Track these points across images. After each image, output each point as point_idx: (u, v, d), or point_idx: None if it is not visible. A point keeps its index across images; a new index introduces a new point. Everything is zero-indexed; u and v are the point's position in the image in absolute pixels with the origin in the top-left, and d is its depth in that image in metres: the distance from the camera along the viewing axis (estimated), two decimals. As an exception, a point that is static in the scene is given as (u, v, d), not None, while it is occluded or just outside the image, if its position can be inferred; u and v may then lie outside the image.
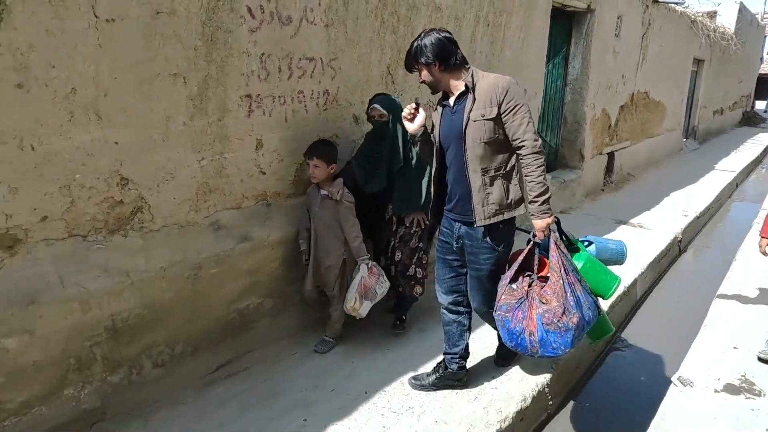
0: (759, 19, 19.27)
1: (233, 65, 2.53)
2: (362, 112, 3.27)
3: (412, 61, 2.33)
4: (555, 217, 2.33)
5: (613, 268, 2.60)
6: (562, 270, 2.26)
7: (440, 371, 2.65)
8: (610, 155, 7.50)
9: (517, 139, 2.26)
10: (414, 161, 2.93)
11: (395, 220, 3.04)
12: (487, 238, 2.34)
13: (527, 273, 2.36)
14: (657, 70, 8.60)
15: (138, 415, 2.37)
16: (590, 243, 2.67)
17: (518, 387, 2.66)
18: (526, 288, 2.31)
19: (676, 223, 5.72)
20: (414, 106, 2.39)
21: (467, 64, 2.34)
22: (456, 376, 2.63)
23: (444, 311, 2.63)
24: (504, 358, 2.86)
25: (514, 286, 2.33)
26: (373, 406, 2.49)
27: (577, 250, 2.53)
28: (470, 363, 2.75)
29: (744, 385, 2.73)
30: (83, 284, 2.16)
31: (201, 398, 2.51)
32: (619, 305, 3.85)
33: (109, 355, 2.31)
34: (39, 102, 1.95)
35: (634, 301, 4.21)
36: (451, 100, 2.36)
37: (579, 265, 2.41)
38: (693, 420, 2.46)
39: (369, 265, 2.85)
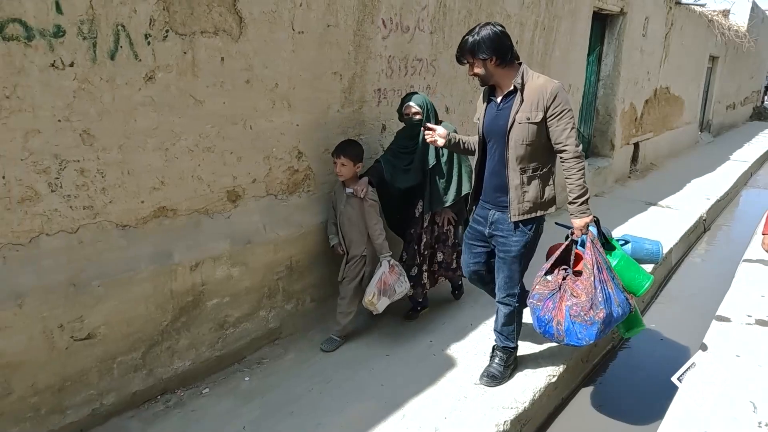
0: (769, 16, 19.82)
1: (371, 65, 3.22)
2: (453, 104, 3.95)
3: (467, 54, 2.34)
4: (594, 216, 2.44)
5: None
6: (595, 267, 2.37)
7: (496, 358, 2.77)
8: (636, 146, 8.15)
9: (560, 143, 2.35)
10: (444, 159, 3.05)
11: (426, 218, 3.12)
12: (523, 225, 2.47)
13: (563, 267, 2.50)
14: (677, 67, 9.23)
15: (302, 336, 3.08)
16: (627, 242, 2.76)
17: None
18: (560, 281, 2.44)
19: (700, 205, 6.39)
20: (426, 130, 2.62)
21: (519, 59, 2.39)
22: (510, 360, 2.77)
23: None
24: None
25: (549, 277, 2.48)
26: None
27: (613, 248, 2.63)
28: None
29: (771, 321, 3.41)
30: (276, 231, 2.87)
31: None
32: (658, 270, 4.52)
33: (286, 287, 3.02)
34: (256, 94, 2.65)
35: (670, 266, 4.88)
36: (499, 97, 2.43)
37: (613, 263, 2.52)
38: (734, 345, 3.14)
39: (390, 263, 2.92)
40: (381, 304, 2.88)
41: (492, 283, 2.71)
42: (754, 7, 14.63)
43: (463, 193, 3.09)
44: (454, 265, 3.26)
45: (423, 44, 3.59)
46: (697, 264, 5.23)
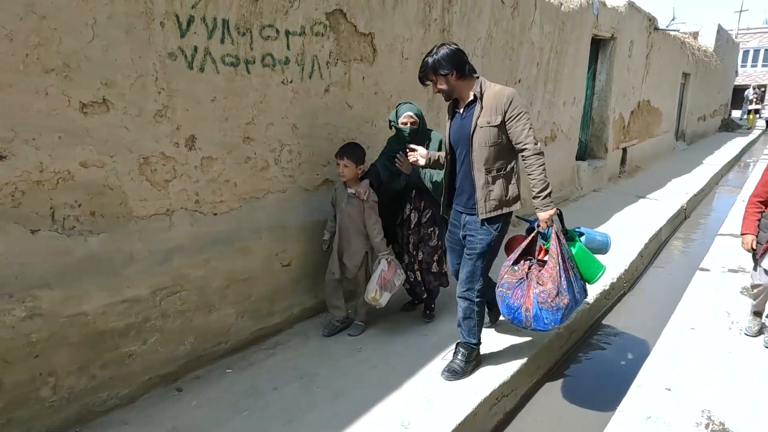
0: (734, 37, 21.71)
1: (445, 82, 4.34)
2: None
3: (429, 73, 2.56)
4: (557, 209, 2.58)
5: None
6: (559, 257, 2.52)
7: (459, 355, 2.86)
8: (624, 150, 9.43)
9: (520, 142, 2.52)
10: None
11: (413, 219, 3.31)
12: (487, 223, 2.64)
13: (528, 257, 2.65)
14: (656, 83, 10.60)
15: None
16: (581, 234, 2.89)
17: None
18: (526, 270, 2.59)
19: (681, 198, 7.64)
20: (409, 152, 2.90)
21: (476, 73, 2.62)
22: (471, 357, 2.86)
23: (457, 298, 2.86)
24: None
25: (515, 267, 2.62)
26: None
27: (572, 239, 2.78)
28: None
29: (740, 268, 4.58)
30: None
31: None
32: (652, 244, 5.69)
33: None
34: (380, 102, 3.75)
35: (660, 241, 6.07)
36: (461, 108, 2.65)
37: (572, 252, 2.68)
38: (712, 290, 4.30)
39: (388, 260, 3.12)
40: (383, 299, 3.08)
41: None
42: (720, 30, 16.34)
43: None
44: (434, 269, 3.37)
45: (478, 65, 4.73)
46: (682, 239, 6.44)
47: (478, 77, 2.61)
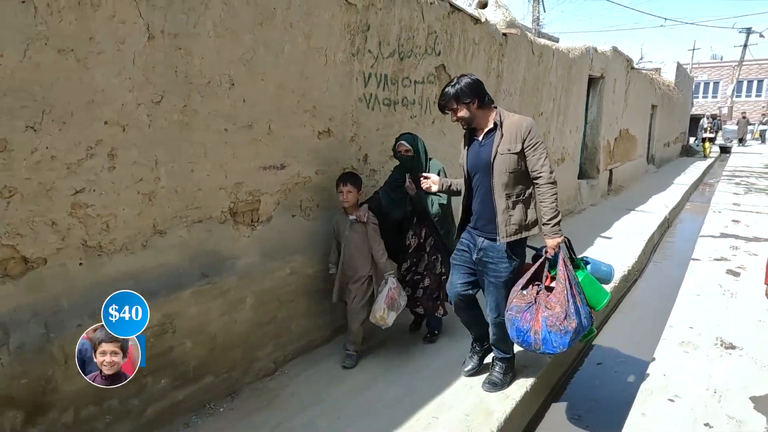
0: (689, 72, 24.09)
1: (498, 115, 5.60)
2: (528, 137, 6.39)
3: (451, 101, 2.65)
4: (565, 237, 2.67)
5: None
6: (567, 282, 2.58)
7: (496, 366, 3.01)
8: (611, 171, 10.91)
9: (536, 171, 2.61)
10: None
11: (414, 245, 3.42)
12: (508, 251, 2.70)
13: (536, 282, 2.69)
14: (632, 114, 12.23)
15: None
16: (587, 263, 2.97)
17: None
18: (534, 295, 2.63)
19: (663, 210, 9.08)
20: (422, 179, 2.99)
21: (494, 103, 2.73)
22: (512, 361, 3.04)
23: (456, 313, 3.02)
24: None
25: (524, 292, 2.66)
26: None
27: (578, 266, 2.86)
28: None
29: (722, 258, 5.92)
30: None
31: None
32: (649, 244, 7.02)
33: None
34: (460, 131, 4.95)
35: (655, 244, 7.43)
36: (480, 136, 2.72)
37: (579, 279, 2.73)
38: (705, 272, 5.61)
39: (394, 279, 3.20)
40: (390, 319, 3.15)
41: (474, 309, 3.03)
42: (679, 67, 18.46)
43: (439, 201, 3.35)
44: (436, 295, 3.45)
45: (515, 103, 6.03)
46: (669, 242, 7.84)
47: (495, 107, 2.74)
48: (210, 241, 2.77)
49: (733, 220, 8.05)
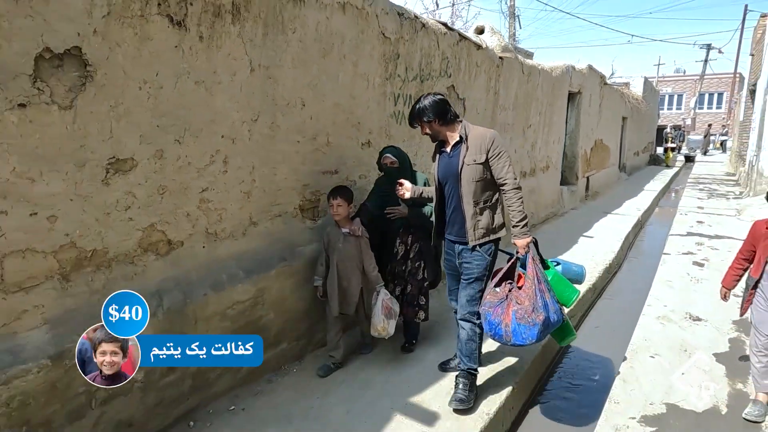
0: (655, 85, 25.57)
1: (499, 125, 6.36)
2: (525, 144, 7.17)
3: (416, 119, 2.86)
4: (533, 237, 2.84)
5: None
6: (535, 278, 2.75)
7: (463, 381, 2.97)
8: (587, 178, 11.84)
9: (501, 178, 2.77)
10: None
11: (400, 252, 3.54)
12: (480, 250, 2.87)
13: (509, 281, 2.85)
14: (606, 125, 13.24)
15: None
16: (558, 264, 3.15)
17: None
18: (506, 292, 2.79)
19: (636, 213, 9.99)
20: (397, 186, 3.13)
21: (459, 117, 2.89)
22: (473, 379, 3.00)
23: (459, 320, 3.04)
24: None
25: (497, 289, 2.82)
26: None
27: (547, 267, 3.02)
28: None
29: (689, 252, 6.78)
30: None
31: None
32: (626, 242, 7.86)
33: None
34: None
35: (630, 242, 8.28)
36: (448, 148, 2.89)
37: (548, 278, 2.87)
38: (675, 264, 6.44)
39: (386, 290, 3.30)
40: (391, 327, 3.24)
41: None
42: (646, 81, 19.77)
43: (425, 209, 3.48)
44: (416, 301, 3.55)
45: (509, 116, 6.81)
46: (641, 240, 8.72)
47: (461, 121, 2.91)
48: (285, 231, 3.40)
49: (698, 221, 9.01)
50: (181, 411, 2.77)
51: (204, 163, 2.79)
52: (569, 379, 3.90)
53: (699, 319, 4.44)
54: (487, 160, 2.78)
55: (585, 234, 7.87)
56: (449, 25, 5.14)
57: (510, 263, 2.90)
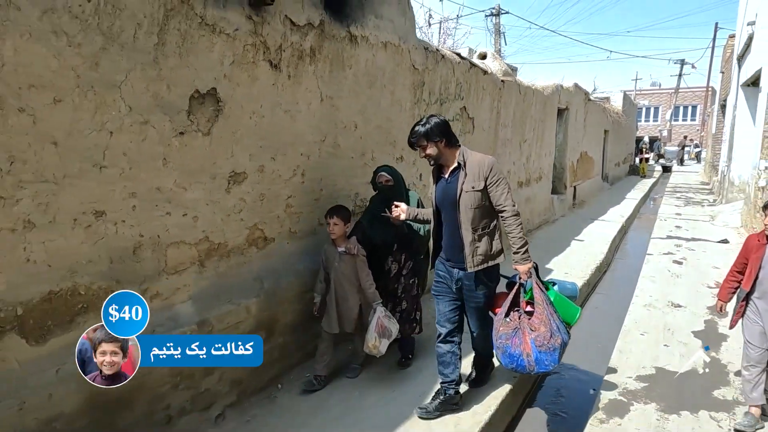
0: (633, 99, 26.85)
1: (500, 140, 7.14)
2: (520, 158, 7.97)
3: (421, 139, 2.86)
4: (534, 262, 2.86)
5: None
6: (544, 303, 2.77)
7: (440, 398, 3.03)
8: (575, 188, 12.73)
9: (500, 205, 2.81)
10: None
11: (394, 271, 3.57)
12: (483, 277, 2.91)
13: (516, 308, 2.87)
14: (590, 138, 14.19)
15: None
16: (554, 284, 3.19)
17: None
18: (517, 320, 2.80)
19: (621, 219, 10.87)
20: (393, 208, 3.19)
21: (458, 142, 2.94)
22: (453, 400, 3.03)
23: (440, 344, 3.04)
24: (477, 382, 3.37)
25: (507, 319, 2.84)
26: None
27: (547, 288, 3.02)
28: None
29: (669, 252, 7.61)
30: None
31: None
32: (613, 245, 8.68)
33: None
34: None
35: (616, 245, 9.12)
36: (446, 173, 2.91)
37: (552, 299, 2.91)
38: (657, 262, 7.26)
39: (383, 308, 3.29)
40: (383, 346, 3.22)
41: (459, 337, 3.09)
42: (625, 96, 20.94)
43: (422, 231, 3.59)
44: (413, 316, 3.62)
45: (508, 132, 7.60)
46: (626, 244, 9.58)
47: (459, 146, 2.92)
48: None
49: (676, 226, 9.91)
50: (272, 374, 3.43)
51: (289, 176, 3.48)
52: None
53: (679, 306, 5.23)
54: (485, 187, 2.81)
55: (576, 238, 8.68)
56: (462, 54, 5.92)
57: (514, 290, 2.93)
